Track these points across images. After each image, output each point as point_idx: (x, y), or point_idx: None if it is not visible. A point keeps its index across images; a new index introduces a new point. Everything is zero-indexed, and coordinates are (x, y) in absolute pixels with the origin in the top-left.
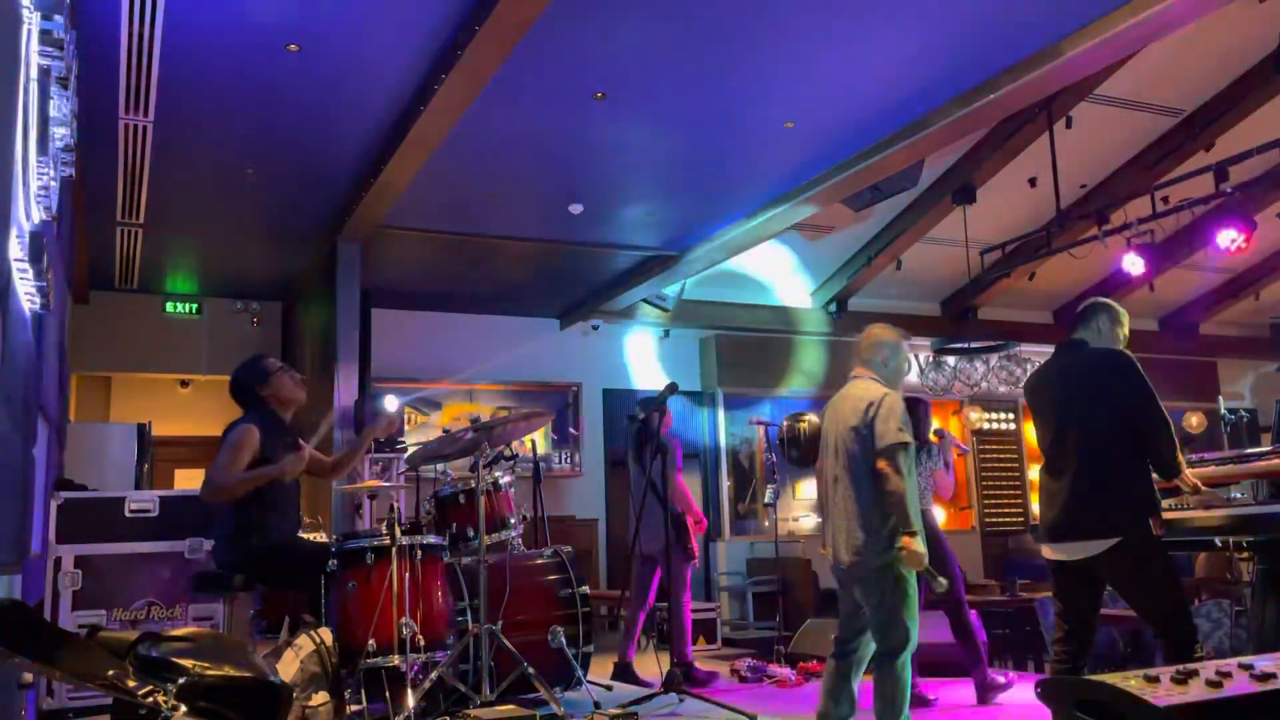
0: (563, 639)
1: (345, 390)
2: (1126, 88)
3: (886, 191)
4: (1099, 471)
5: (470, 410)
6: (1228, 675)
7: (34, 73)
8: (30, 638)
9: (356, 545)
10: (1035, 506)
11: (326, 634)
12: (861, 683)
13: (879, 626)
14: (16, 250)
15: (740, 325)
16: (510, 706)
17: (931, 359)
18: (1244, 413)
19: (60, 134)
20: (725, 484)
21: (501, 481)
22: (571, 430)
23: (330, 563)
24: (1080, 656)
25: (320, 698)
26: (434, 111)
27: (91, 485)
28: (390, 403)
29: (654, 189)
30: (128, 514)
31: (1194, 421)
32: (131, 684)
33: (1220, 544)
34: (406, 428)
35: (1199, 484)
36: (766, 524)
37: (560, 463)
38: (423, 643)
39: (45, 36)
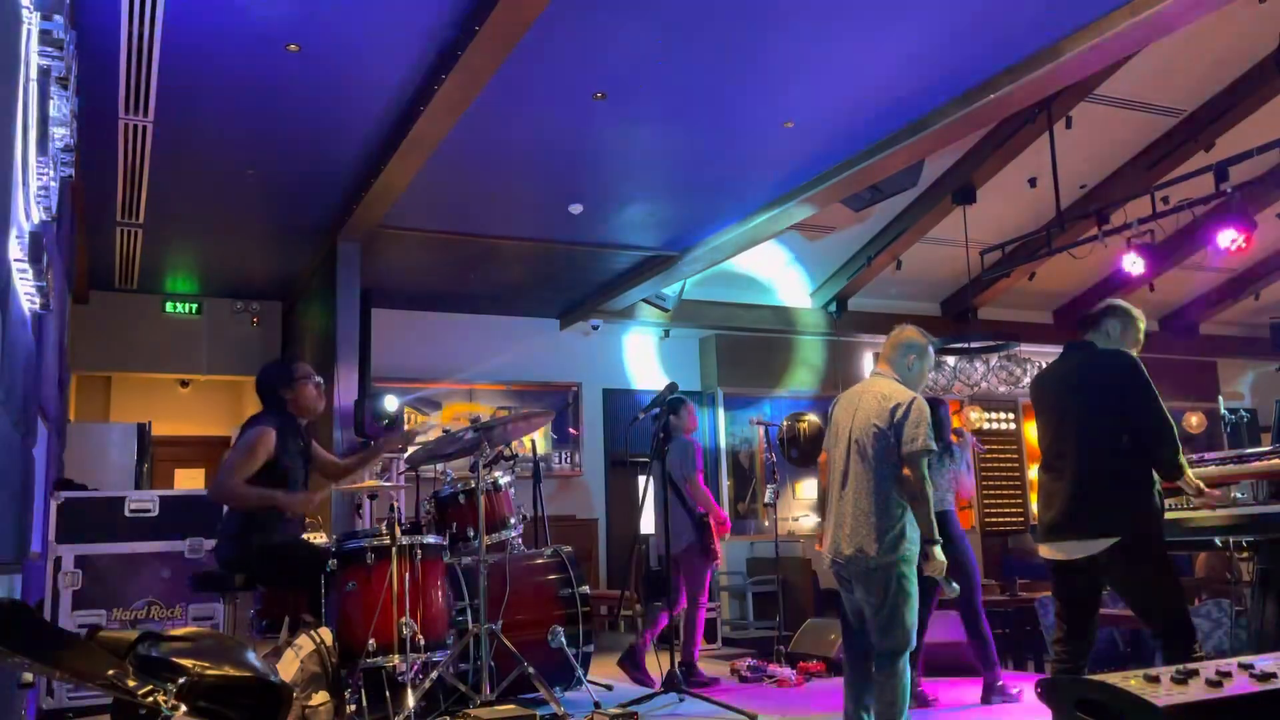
0: (563, 639)
1: (345, 390)
2: (1126, 88)
3: (886, 191)
4: (1099, 471)
5: (470, 410)
6: (1228, 675)
7: (34, 73)
8: (30, 638)
9: (356, 545)
10: (1035, 506)
11: (326, 634)
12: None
13: (880, 626)
14: (16, 250)
15: (740, 325)
16: (510, 706)
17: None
18: (1244, 413)
19: (60, 134)
20: (725, 484)
21: (501, 481)
22: (571, 430)
23: (330, 563)
24: (1080, 656)
25: (320, 698)
26: (434, 111)
27: (91, 485)
28: (390, 402)
29: (654, 189)
30: (128, 514)
31: (1194, 421)
32: (131, 684)
33: (1220, 544)
34: (407, 428)
35: (1202, 486)
36: (766, 524)
37: (560, 463)
38: (423, 643)
39: (45, 36)
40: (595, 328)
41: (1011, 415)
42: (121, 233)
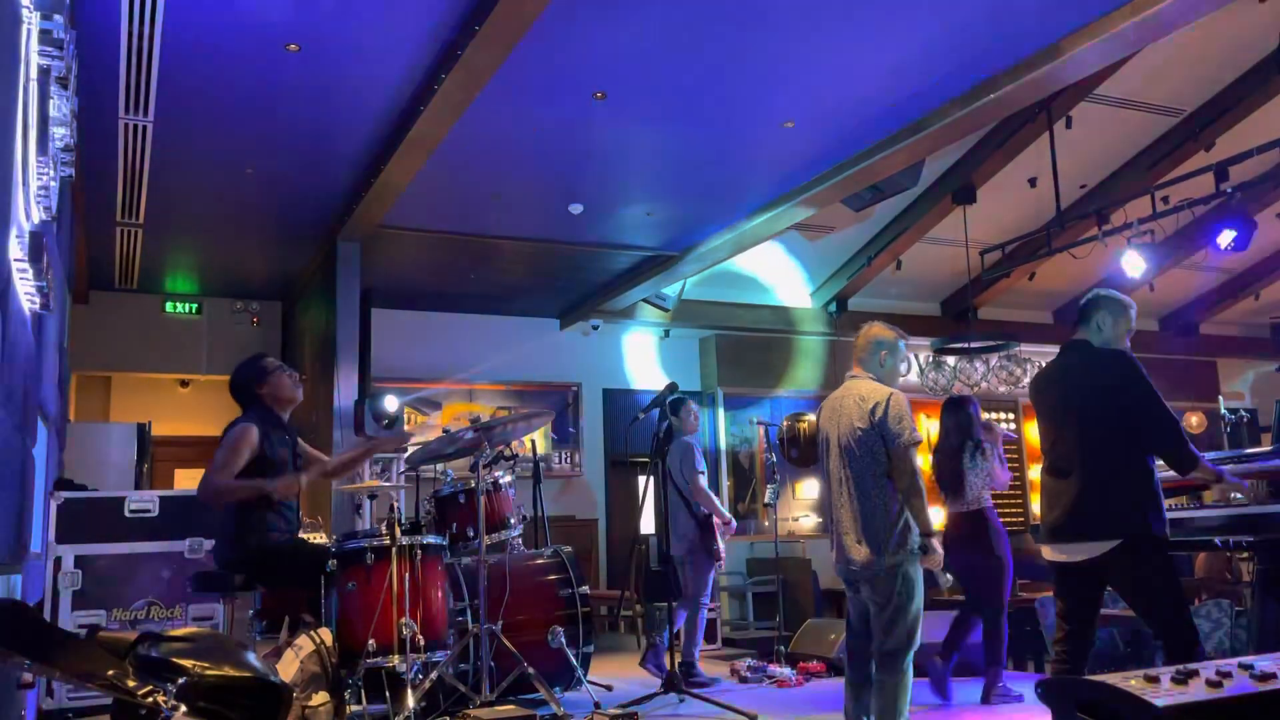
0: (563, 639)
1: (345, 390)
2: (1126, 88)
3: (886, 191)
4: (1100, 473)
5: (470, 410)
6: (1228, 675)
7: (34, 73)
8: (30, 638)
9: (356, 545)
10: (1035, 507)
11: (326, 634)
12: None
13: (883, 626)
14: (16, 250)
15: (740, 325)
16: (510, 706)
17: (931, 359)
18: (1244, 413)
19: (60, 134)
20: (725, 484)
21: (501, 481)
22: (571, 430)
23: (330, 563)
24: (1081, 657)
25: (320, 698)
26: (434, 111)
27: (91, 485)
28: (390, 402)
29: (654, 189)
30: (128, 514)
31: (1194, 421)
32: (131, 684)
33: (1220, 544)
34: (406, 428)
35: (1222, 473)
36: (766, 524)
37: (560, 463)
38: (423, 643)
39: (45, 36)
40: (595, 328)
41: (1011, 415)
42: (121, 233)
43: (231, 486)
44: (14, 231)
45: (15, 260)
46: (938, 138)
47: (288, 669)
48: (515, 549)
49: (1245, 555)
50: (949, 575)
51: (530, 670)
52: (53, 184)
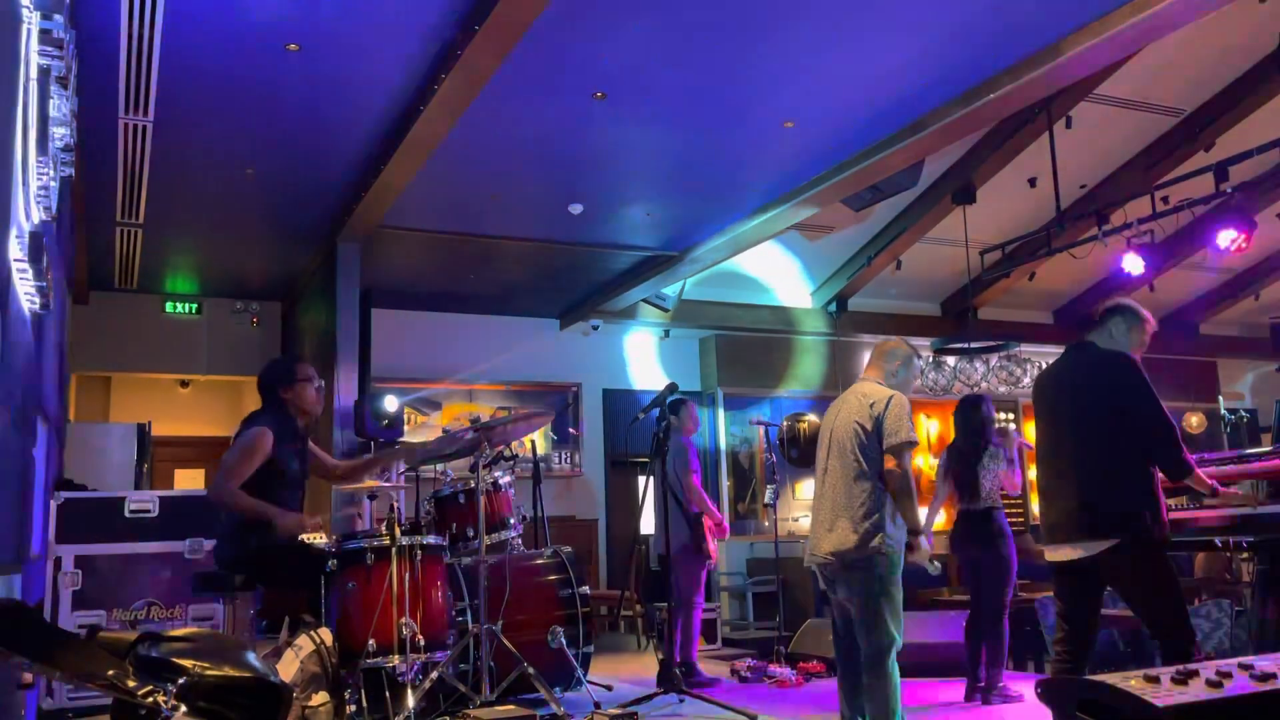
0: (563, 639)
1: (345, 390)
2: (1126, 88)
3: (886, 191)
4: (1098, 473)
5: (470, 410)
6: (1228, 675)
7: (34, 73)
8: (30, 638)
9: (356, 545)
10: (1035, 507)
11: (326, 634)
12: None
13: (864, 626)
14: (16, 250)
15: (740, 325)
16: (510, 706)
17: (931, 359)
18: (1244, 413)
19: (60, 134)
20: (725, 484)
21: (501, 481)
22: (571, 430)
23: (330, 563)
24: (1081, 657)
25: (320, 698)
26: (434, 111)
27: (91, 485)
28: (390, 402)
29: (654, 189)
30: (128, 514)
31: (1194, 421)
32: (131, 684)
33: (1220, 544)
34: (406, 428)
35: (1216, 486)
36: (766, 524)
37: (560, 463)
38: (423, 643)
39: (45, 36)
40: (595, 328)
41: (1011, 415)
42: (121, 233)
43: (243, 504)
44: (14, 231)
45: (15, 260)
46: (938, 138)
47: (288, 669)
48: (515, 549)
49: (1245, 555)
50: (936, 564)
51: (530, 670)
52: (53, 184)
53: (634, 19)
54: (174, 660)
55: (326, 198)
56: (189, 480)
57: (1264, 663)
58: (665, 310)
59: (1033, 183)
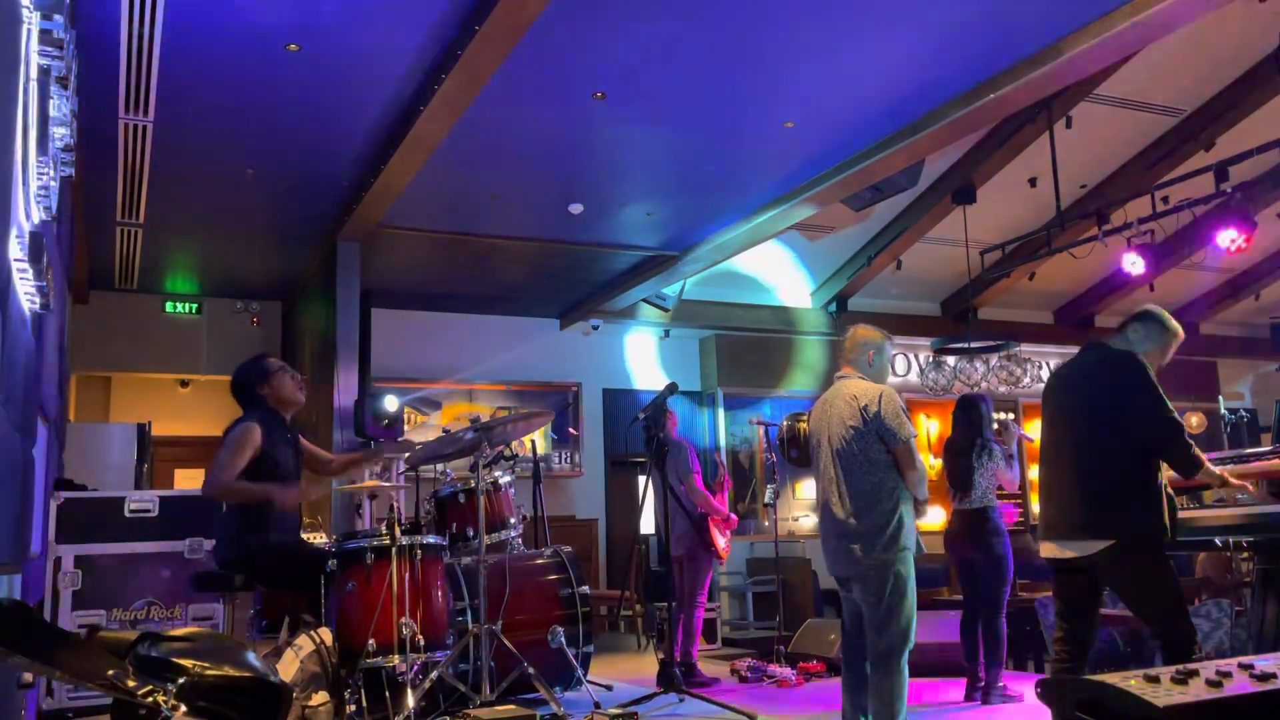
0: (563, 639)
1: (345, 390)
2: (1126, 88)
3: (886, 191)
4: (1098, 471)
5: (470, 410)
6: (1228, 675)
7: (34, 73)
8: (30, 638)
9: (356, 545)
10: (1035, 506)
11: (326, 634)
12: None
13: (876, 625)
14: (16, 250)
15: (740, 325)
16: (510, 706)
17: (931, 359)
18: (1244, 413)
19: (60, 134)
20: (728, 487)
21: (501, 481)
22: (571, 430)
23: (330, 563)
24: (1080, 656)
25: (320, 698)
26: (434, 111)
27: (91, 485)
28: (390, 402)
29: (654, 189)
30: (128, 514)
31: (1194, 421)
32: (131, 684)
33: (1220, 544)
34: (406, 428)
35: (1227, 476)
36: (766, 524)
37: (560, 463)
38: (423, 643)
39: (45, 36)
40: (595, 328)
41: (1011, 416)
42: (121, 233)
43: (240, 489)
44: (14, 231)
45: (15, 260)
46: (938, 138)
47: (288, 669)
48: (515, 549)
49: (1245, 555)
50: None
51: (530, 670)
52: (53, 184)
53: (634, 19)
54: (174, 660)
55: (326, 198)
56: (189, 480)
57: (1264, 663)
58: (665, 310)
59: (1033, 183)
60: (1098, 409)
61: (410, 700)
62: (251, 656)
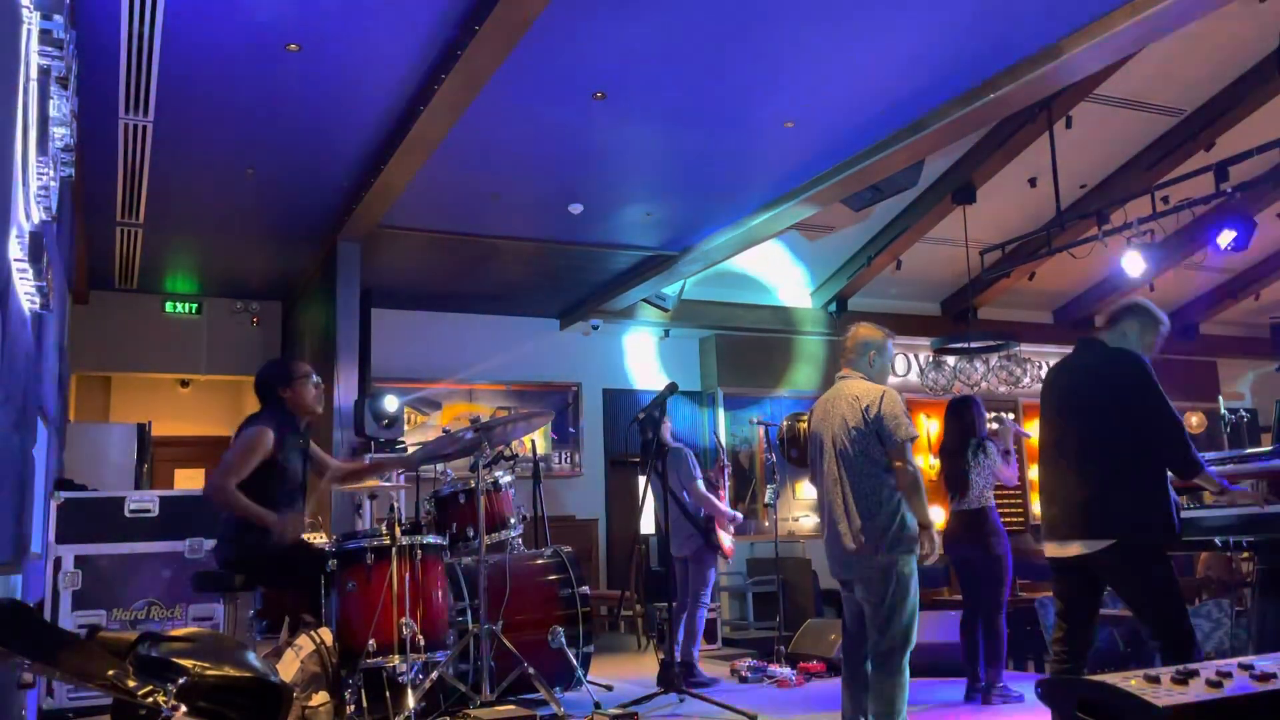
0: (563, 639)
1: (345, 390)
2: (1126, 88)
3: (886, 191)
4: (1098, 471)
5: (470, 410)
6: (1228, 675)
7: (34, 73)
8: (30, 638)
9: (356, 545)
10: (1035, 506)
11: (326, 634)
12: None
13: (878, 626)
14: (16, 250)
15: (740, 325)
16: (510, 706)
17: (931, 359)
18: (1244, 413)
19: (60, 134)
20: (726, 484)
21: (501, 481)
22: (572, 430)
23: (330, 563)
24: (1080, 656)
25: (320, 698)
26: (434, 111)
27: (91, 485)
28: (390, 403)
29: (654, 189)
30: (128, 514)
31: (1194, 421)
32: (131, 684)
33: (1220, 544)
34: (406, 428)
35: (1225, 482)
36: (766, 524)
37: (560, 463)
38: (423, 643)
39: (45, 36)
40: (595, 328)
41: (1011, 415)
42: (121, 233)
43: (239, 505)
44: (14, 231)
45: (15, 260)
46: (938, 138)
47: (288, 669)
48: (515, 549)
49: (1245, 555)
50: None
51: (530, 670)
52: (53, 184)
53: (634, 19)
54: (174, 660)
55: (326, 198)
56: (189, 480)
57: (1264, 663)
58: (665, 310)
59: (1033, 183)
60: (1099, 408)
61: (410, 700)
62: (251, 656)
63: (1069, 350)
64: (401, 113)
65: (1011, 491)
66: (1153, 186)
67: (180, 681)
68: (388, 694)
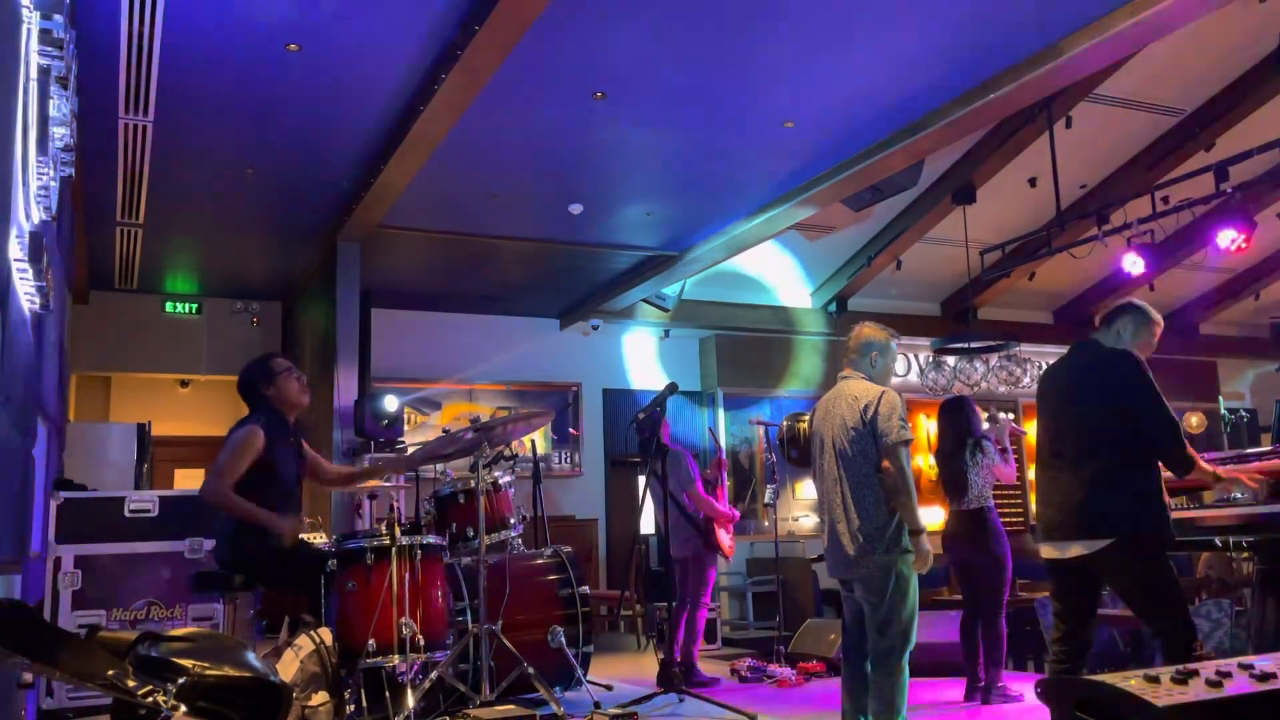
0: (563, 639)
1: (345, 390)
2: (1126, 88)
3: (886, 191)
4: (1096, 471)
5: (470, 410)
6: (1228, 675)
7: (34, 73)
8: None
9: (356, 545)
10: (1035, 506)
11: (326, 634)
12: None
13: (877, 626)
14: (16, 250)
15: (740, 325)
16: (510, 706)
17: (931, 359)
18: (1244, 413)
19: (60, 134)
20: (725, 485)
21: (501, 481)
22: (571, 430)
23: (330, 563)
24: (1080, 656)
25: (320, 698)
26: (434, 111)
27: (91, 485)
28: (390, 402)
29: (654, 189)
30: (128, 514)
31: (1194, 421)
32: (131, 684)
33: (1220, 544)
34: (406, 428)
35: (1219, 473)
36: (766, 524)
37: (560, 463)
38: (423, 643)
39: (45, 36)
40: (595, 328)
41: (1011, 416)
42: (121, 233)
43: (236, 505)
44: (14, 231)
45: (15, 260)
46: (938, 138)
47: (288, 669)
48: (515, 549)
49: (1245, 555)
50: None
51: (530, 670)
52: (53, 184)
53: (634, 19)
54: (174, 660)
55: (326, 198)
56: (189, 480)
57: (1264, 663)
58: (665, 310)
59: (1033, 183)
60: (1095, 409)
61: (410, 700)
62: (251, 656)
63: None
64: (401, 113)
65: (1011, 491)
66: (1153, 186)
67: (180, 681)
68: (387, 694)
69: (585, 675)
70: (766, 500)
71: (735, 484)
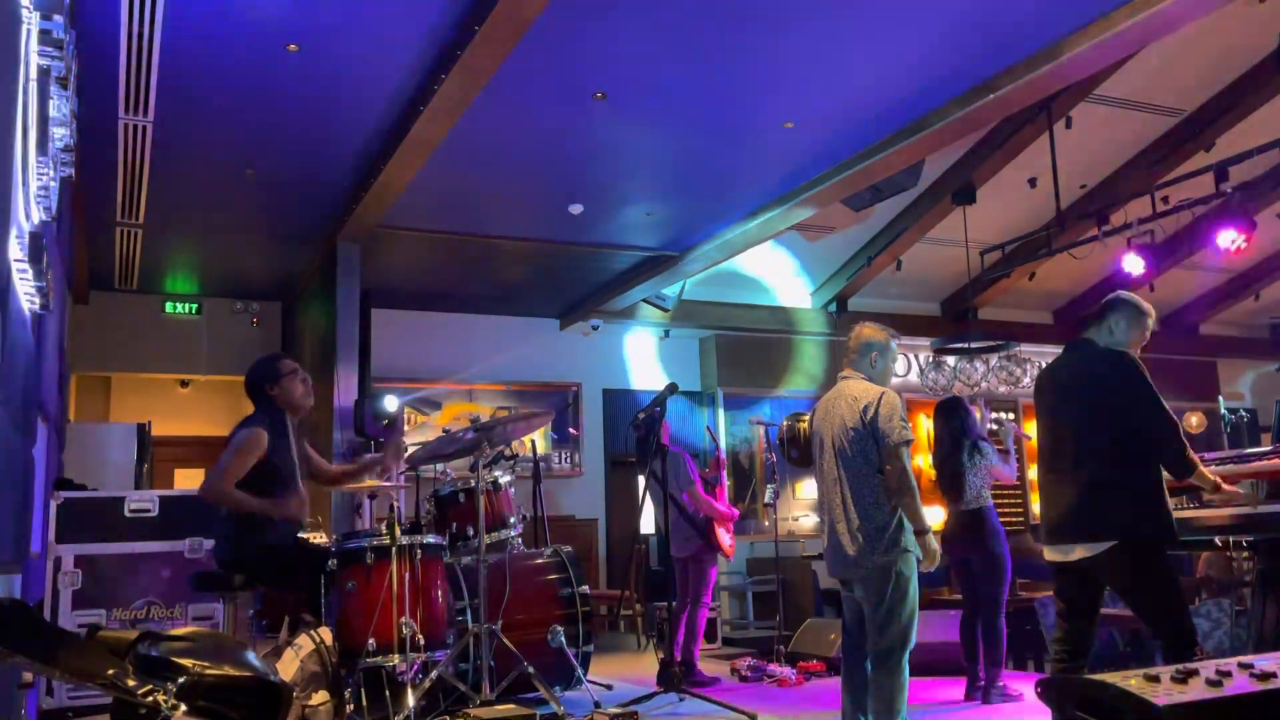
0: (563, 639)
1: (345, 390)
2: (1126, 88)
3: (886, 191)
4: (1097, 473)
5: (470, 410)
6: (1228, 675)
7: (34, 73)
8: (30, 638)
9: (356, 545)
10: (1035, 506)
11: (326, 634)
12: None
13: (877, 625)
14: (16, 250)
15: (740, 325)
16: (510, 706)
17: (931, 359)
18: (1244, 413)
19: (60, 134)
20: (725, 485)
21: (501, 481)
22: (571, 430)
23: (330, 563)
24: (1080, 656)
25: (320, 697)
26: (434, 111)
27: (91, 485)
28: (390, 402)
29: (654, 189)
30: (127, 514)
31: (1194, 421)
32: (131, 683)
33: (1220, 544)
34: (406, 428)
35: (1219, 482)
36: (766, 524)
37: (560, 463)
38: (423, 643)
39: (45, 36)
40: (595, 328)
41: (1011, 416)
42: (121, 233)
43: (237, 498)
44: (14, 231)
45: (15, 260)
46: (938, 138)
47: (288, 669)
48: (515, 549)
49: (1245, 555)
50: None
51: (530, 670)
52: (53, 184)
53: (634, 19)
54: (174, 660)
55: (326, 198)
56: (189, 480)
57: (1264, 662)
58: (665, 310)
59: (1033, 183)
60: (1094, 410)
61: (410, 700)
62: (251, 656)
63: None
64: (401, 113)
65: (1011, 491)
66: (1153, 187)
67: (180, 681)
68: (387, 693)
69: (585, 675)
70: (766, 500)
71: (735, 484)
